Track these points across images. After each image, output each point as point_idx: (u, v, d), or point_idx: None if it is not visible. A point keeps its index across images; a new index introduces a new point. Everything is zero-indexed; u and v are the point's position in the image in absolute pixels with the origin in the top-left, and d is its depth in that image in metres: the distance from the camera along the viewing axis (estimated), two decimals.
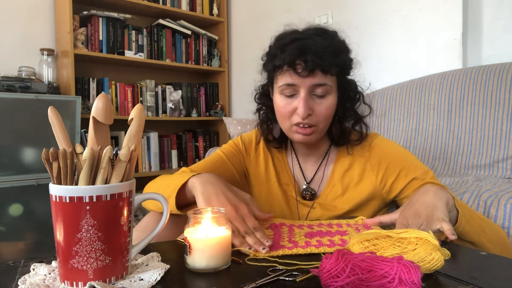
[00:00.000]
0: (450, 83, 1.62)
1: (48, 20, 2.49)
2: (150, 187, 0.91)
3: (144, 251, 0.62)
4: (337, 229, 0.76)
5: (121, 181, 0.53)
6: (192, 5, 3.03)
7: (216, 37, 3.18)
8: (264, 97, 1.00)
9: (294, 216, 0.98)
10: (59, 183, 0.50)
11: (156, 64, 2.83)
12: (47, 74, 2.36)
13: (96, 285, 0.50)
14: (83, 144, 0.57)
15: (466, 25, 1.87)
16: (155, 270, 0.54)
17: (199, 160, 3.06)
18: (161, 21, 2.84)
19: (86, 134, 0.56)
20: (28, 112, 2.04)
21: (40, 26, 2.46)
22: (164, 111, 2.90)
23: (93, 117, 0.54)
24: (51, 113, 0.53)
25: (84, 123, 1.59)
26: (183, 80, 3.12)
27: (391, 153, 0.94)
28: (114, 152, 0.53)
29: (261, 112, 1.02)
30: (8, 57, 2.33)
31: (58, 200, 0.50)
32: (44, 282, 0.52)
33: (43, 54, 2.36)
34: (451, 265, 0.57)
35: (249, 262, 0.60)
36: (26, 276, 0.53)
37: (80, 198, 0.49)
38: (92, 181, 0.51)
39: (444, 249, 0.56)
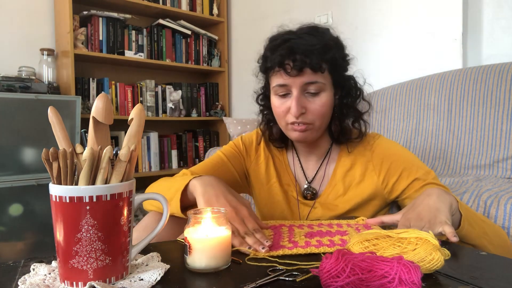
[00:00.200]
0: (450, 83, 1.62)
1: (48, 20, 2.49)
2: (151, 190, 0.91)
3: (144, 251, 0.62)
4: (337, 229, 0.76)
5: (121, 181, 0.53)
6: (192, 5, 3.03)
7: (216, 37, 3.18)
8: (265, 98, 1.01)
9: (295, 216, 0.98)
10: (59, 183, 0.50)
11: (156, 64, 2.83)
12: (47, 74, 2.36)
13: (96, 285, 0.50)
14: (83, 144, 0.57)
15: (466, 25, 1.87)
16: (155, 270, 0.54)
17: (199, 160, 3.07)
18: (161, 21, 2.84)
19: (86, 134, 0.57)
20: (28, 112, 2.04)
21: (40, 26, 2.46)
22: (164, 111, 2.90)
23: (93, 117, 0.54)
24: (51, 113, 0.53)
25: (84, 123, 1.59)
26: (183, 80, 3.12)
27: (393, 154, 0.94)
28: (114, 152, 0.53)
29: (264, 113, 1.02)
30: (8, 57, 2.33)
31: (58, 200, 0.50)
32: (44, 282, 0.52)
33: (43, 54, 2.36)
34: (451, 265, 0.57)
35: (249, 262, 0.60)
36: (26, 276, 0.53)
37: (80, 198, 0.49)
38: (92, 181, 0.51)
39: (444, 249, 0.56)
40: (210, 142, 3.15)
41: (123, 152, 0.52)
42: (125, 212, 0.53)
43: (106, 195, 0.50)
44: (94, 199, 0.49)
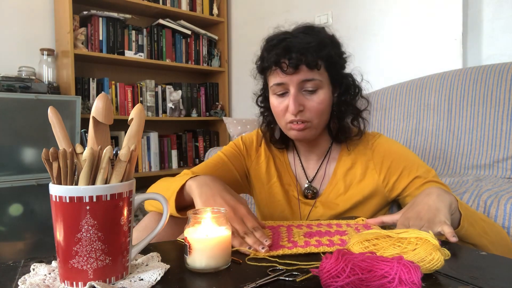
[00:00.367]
0: (450, 83, 1.62)
1: (48, 20, 2.49)
2: (151, 191, 0.91)
3: (144, 251, 0.62)
4: (337, 229, 0.76)
5: (121, 181, 0.53)
6: (192, 5, 3.03)
7: (216, 37, 3.18)
8: (264, 100, 1.01)
9: (296, 215, 0.98)
10: (59, 183, 0.50)
11: (156, 64, 2.83)
12: (47, 74, 2.36)
13: (96, 285, 0.50)
14: (83, 144, 0.57)
15: (466, 25, 1.87)
16: (155, 270, 0.54)
17: (199, 160, 3.07)
18: (161, 21, 2.84)
19: (86, 134, 0.56)
20: (28, 112, 2.04)
21: (40, 26, 2.46)
22: (164, 111, 2.90)
23: (93, 117, 0.54)
24: (51, 113, 0.53)
25: (84, 123, 1.59)
26: (183, 80, 3.12)
27: (394, 152, 0.94)
28: (114, 152, 0.53)
29: (264, 115, 1.03)
30: (8, 57, 2.33)
31: (58, 200, 0.50)
32: (44, 282, 0.52)
33: (43, 54, 2.36)
34: (451, 265, 0.57)
35: (249, 262, 0.60)
36: (26, 276, 0.53)
37: (80, 198, 0.49)
38: (92, 181, 0.51)
39: (444, 249, 0.56)
40: (210, 142, 3.15)
41: (123, 152, 0.52)
42: (125, 212, 0.53)
43: (106, 195, 0.50)
44: (94, 199, 0.49)
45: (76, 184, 0.51)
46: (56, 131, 0.53)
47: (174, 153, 2.96)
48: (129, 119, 0.57)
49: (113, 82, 2.66)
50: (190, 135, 3.08)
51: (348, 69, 0.96)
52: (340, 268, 0.46)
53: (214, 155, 1.05)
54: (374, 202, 0.94)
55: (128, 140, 0.56)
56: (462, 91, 1.56)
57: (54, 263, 0.57)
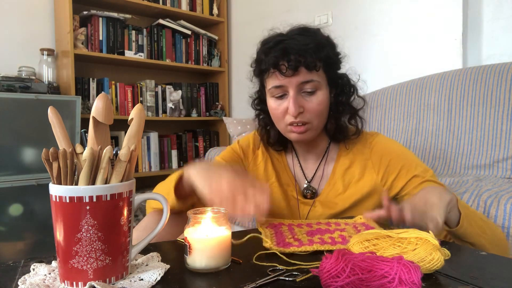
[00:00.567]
0: (450, 83, 1.62)
1: (48, 20, 2.49)
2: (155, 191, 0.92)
3: (144, 251, 0.62)
4: (335, 227, 0.77)
5: (121, 181, 0.53)
6: (192, 5, 3.03)
7: (216, 37, 3.18)
8: (260, 102, 1.01)
9: (295, 215, 0.98)
10: (59, 183, 0.50)
11: (156, 64, 2.83)
12: (47, 74, 2.36)
13: (96, 285, 0.50)
14: (83, 144, 0.57)
15: (466, 25, 1.87)
16: (155, 270, 0.54)
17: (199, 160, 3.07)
18: (161, 21, 2.84)
19: (86, 134, 0.56)
20: (28, 112, 2.04)
21: (40, 26, 2.46)
22: (164, 111, 2.90)
23: (93, 117, 0.54)
24: (51, 113, 0.53)
25: (84, 123, 1.59)
26: (183, 80, 3.12)
27: (392, 151, 0.94)
28: (114, 152, 0.53)
29: (260, 117, 1.03)
30: (8, 57, 2.33)
31: (58, 200, 0.50)
32: (44, 282, 0.52)
33: (43, 54, 2.36)
34: (451, 265, 0.57)
35: (256, 262, 0.60)
36: (26, 276, 0.53)
37: (80, 198, 0.49)
38: (92, 181, 0.51)
39: (444, 249, 0.56)
40: (210, 142, 3.15)
41: (123, 152, 0.52)
42: (125, 212, 0.53)
43: (106, 195, 0.50)
44: (94, 199, 0.49)
45: (76, 184, 0.51)
46: (56, 131, 0.53)
47: (174, 153, 2.96)
48: (129, 119, 0.57)
49: (113, 82, 2.66)
50: (190, 135, 3.08)
51: (344, 69, 0.96)
52: (340, 268, 0.46)
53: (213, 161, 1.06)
54: (372, 201, 0.94)
55: (128, 140, 0.56)
56: (462, 91, 1.57)
57: (54, 263, 0.57)
